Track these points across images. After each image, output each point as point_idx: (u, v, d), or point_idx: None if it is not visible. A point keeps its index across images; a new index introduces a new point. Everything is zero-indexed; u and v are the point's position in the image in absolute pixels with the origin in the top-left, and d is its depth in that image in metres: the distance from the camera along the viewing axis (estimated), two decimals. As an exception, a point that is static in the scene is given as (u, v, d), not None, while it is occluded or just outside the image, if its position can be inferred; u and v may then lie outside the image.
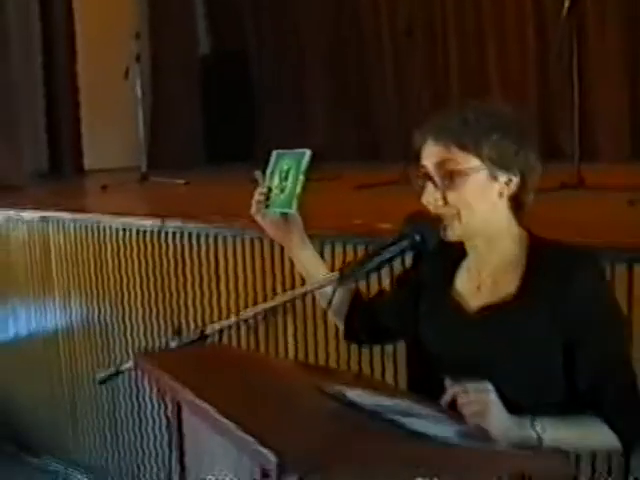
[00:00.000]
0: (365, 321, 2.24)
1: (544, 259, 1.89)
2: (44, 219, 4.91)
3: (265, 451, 1.38)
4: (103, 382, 2.43)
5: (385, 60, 7.94)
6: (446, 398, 1.75)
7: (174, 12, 8.76)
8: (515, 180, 1.90)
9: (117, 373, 2.40)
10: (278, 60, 8.80)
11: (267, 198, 2.18)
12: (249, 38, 8.99)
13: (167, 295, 4.20)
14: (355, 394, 1.76)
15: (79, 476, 4.97)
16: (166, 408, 2.03)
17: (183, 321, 4.08)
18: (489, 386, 1.74)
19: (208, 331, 2.15)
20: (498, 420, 1.71)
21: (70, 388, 4.96)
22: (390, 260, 1.95)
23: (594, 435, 1.85)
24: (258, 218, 2.20)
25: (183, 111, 8.72)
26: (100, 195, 6.09)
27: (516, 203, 1.93)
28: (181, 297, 4.12)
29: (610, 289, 1.96)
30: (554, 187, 4.66)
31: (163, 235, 4.18)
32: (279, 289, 3.61)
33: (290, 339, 3.66)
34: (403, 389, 2.07)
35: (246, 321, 2.12)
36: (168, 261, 4.17)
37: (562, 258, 1.87)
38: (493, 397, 1.73)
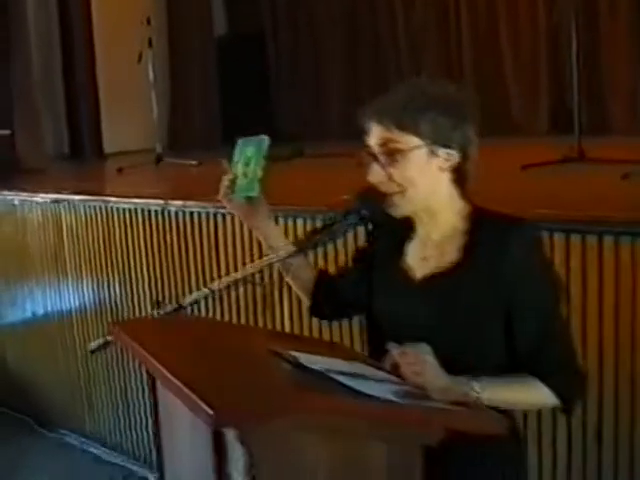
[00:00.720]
0: (328, 297, 2.35)
1: (484, 229, 1.99)
2: (56, 201, 5.07)
3: (204, 405, 1.50)
4: (94, 352, 2.56)
5: (400, 41, 8.00)
6: (388, 361, 1.86)
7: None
8: (455, 154, 1.99)
9: (106, 343, 2.52)
10: (294, 41, 8.89)
11: (233, 183, 2.28)
12: (265, 19, 9.07)
13: (170, 269, 4.36)
14: (307, 357, 1.88)
15: (94, 450, 5.14)
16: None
17: (187, 292, 4.23)
18: (426, 347, 1.85)
19: (184, 302, 2.28)
20: (435, 379, 1.81)
21: (84, 365, 5.13)
22: (339, 233, 2.07)
23: (532, 394, 1.95)
24: (225, 202, 2.30)
25: (201, 93, 8.84)
26: (115, 177, 6.23)
27: (458, 176, 2.03)
28: (184, 271, 4.28)
29: (545, 255, 2.05)
30: (556, 160, 4.79)
31: (166, 214, 4.34)
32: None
33: (286, 312, 3.79)
34: (366, 356, 2.16)
35: (213, 292, 2.22)
36: (171, 238, 4.34)
37: (500, 227, 1.96)
38: (430, 358, 1.84)
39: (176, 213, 4.29)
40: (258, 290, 3.85)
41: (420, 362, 1.82)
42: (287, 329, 3.78)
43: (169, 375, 1.67)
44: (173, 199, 4.32)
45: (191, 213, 4.21)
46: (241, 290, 3.90)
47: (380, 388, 1.77)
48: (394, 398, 1.73)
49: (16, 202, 5.38)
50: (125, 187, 5.51)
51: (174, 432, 2.03)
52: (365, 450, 1.66)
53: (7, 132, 6.98)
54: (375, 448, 1.67)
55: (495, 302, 1.94)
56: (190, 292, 4.16)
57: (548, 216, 3.04)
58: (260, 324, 3.90)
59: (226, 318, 4.03)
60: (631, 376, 2.89)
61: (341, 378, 1.75)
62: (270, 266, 2.21)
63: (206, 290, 2.25)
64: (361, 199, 2.04)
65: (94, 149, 8.14)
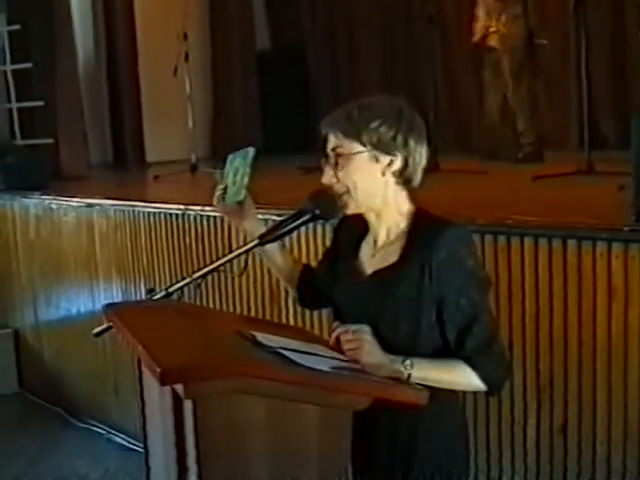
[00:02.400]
0: (310, 288, 2.60)
1: (421, 230, 2.22)
2: (90, 205, 5.41)
3: (154, 365, 1.77)
4: (98, 335, 2.84)
5: (436, 57, 8.20)
6: (332, 338, 2.12)
7: (234, 11, 9.21)
8: (397, 160, 2.23)
9: (109, 327, 2.81)
10: (334, 55, 9.17)
11: (225, 191, 2.55)
12: (306, 34, 9.36)
13: (190, 269, 4.66)
14: (265, 337, 2.14)
15: (119, 439, 5.47)
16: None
17: (204, 290, 4.51)
18: (365, 327, 2.10)
19: (170, 289, 2.57)
20: (371, 356, 2.07)
21: (112, 361, 5.46)
22: (294, 229, 2.36)
23: (459, 376, 2.16)
24: (218, 208, 2.58)
25: (242, 105, 9.17)
26: (150, 184, 6.57)
27: (403, 180, 2.26)
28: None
29: (473, 252, 2.25)
30: (565, 172, 5.04)
31: (186, 218, 4.66)
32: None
33: (291, 307, 4.09)
34: (324, 339, 2.40)
35: (197, 280, 2.52)
36: (190, 240, 4.65)
37: (434, 229, 2.19)
38: (368, 336, 2.09)
39: (195, 217, 4.60)
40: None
41: (358, 340, 2.07)
42: (291, 321, 4.08)
43: (138, 343, 1.94)
44: (193, 204, 4.63)
45: (208, 217, 4.53)
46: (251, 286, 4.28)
47: (323, 363, 2.02)
48: (332, 371, 1.99)
49: (53, 206, 5.74)
50: (157, 193, 5.84)
51: (153, 406, 2.30)
52: (300, 412, 1.92)
53: (51, 141, 7.35)
54: (309, 411, 1.92)
55: (428, 294, 2.16)
56: (206, 290, 4.53)
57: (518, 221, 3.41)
58: (267, 316, 4.20)
59: (237, 310, 4.36)
60: (593, 376, 3.13)
61: (287, 353, 2.02)
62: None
63: (189, 279, 2.54)
64: (314, 199, 2.30)
65: (137, 158, 8.52)
